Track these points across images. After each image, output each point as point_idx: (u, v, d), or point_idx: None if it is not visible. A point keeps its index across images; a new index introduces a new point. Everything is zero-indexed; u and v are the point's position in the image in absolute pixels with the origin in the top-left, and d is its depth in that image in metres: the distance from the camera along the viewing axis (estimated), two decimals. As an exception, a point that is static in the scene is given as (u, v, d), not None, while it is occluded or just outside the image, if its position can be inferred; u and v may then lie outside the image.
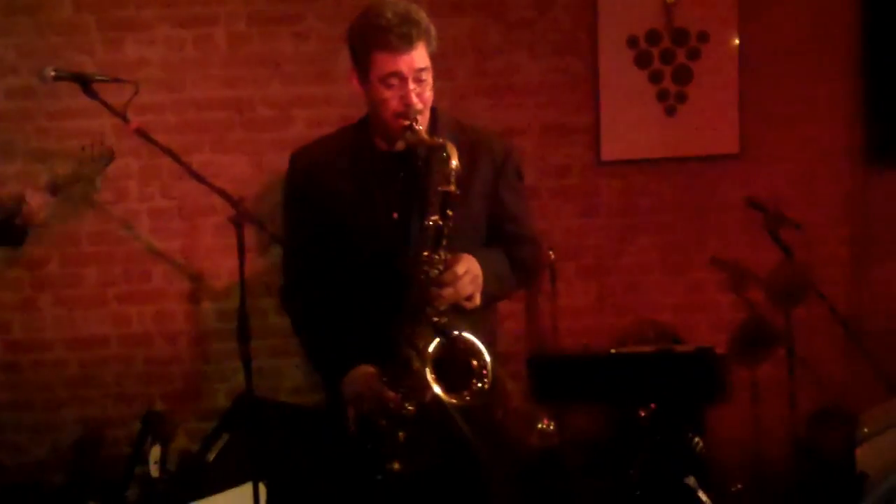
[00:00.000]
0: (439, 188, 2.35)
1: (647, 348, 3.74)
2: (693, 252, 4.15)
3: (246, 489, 2.96)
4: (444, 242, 2.34)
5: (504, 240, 2.56)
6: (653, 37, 4.05)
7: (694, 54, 4.06)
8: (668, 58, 4.06)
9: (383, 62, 2.41)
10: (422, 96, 2.42)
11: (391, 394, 2.37)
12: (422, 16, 2.44)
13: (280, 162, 3.99)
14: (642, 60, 4.07)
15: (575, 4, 4.07)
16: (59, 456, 4.05)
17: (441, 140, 2.38)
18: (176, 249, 4.01)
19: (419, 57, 2.40)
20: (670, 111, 4.08)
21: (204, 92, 4.03)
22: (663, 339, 3.86)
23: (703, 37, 4.06)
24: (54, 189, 3.47)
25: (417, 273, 2.34)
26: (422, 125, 2.40)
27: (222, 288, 3.97)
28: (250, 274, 2.96)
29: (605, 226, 4.19)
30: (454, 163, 2.33)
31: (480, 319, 2.47)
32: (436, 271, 2.33)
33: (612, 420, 3.77)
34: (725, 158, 4.12)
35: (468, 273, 2.35)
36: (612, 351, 3.75)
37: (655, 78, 4.07)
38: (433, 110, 2.53)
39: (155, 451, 3.62)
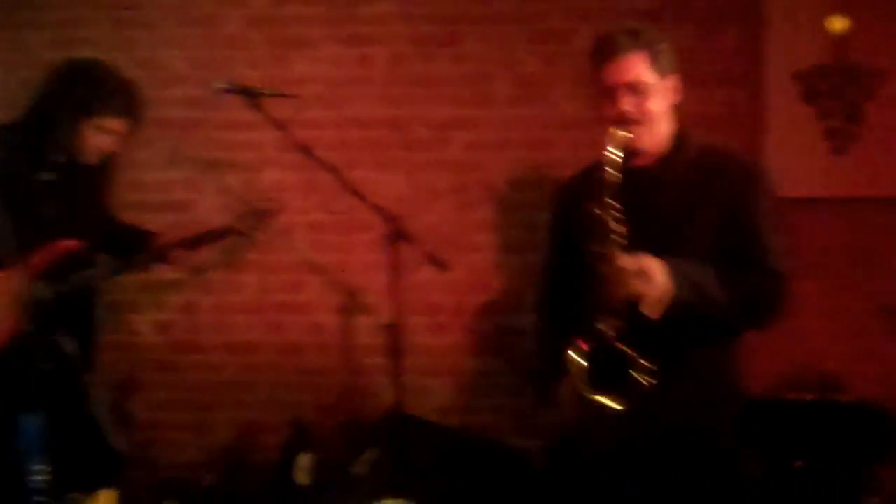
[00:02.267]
0: (597, 175, 2.36)
1: (806, 396, 3.63)
2: (859, 298, 3.95)
3: (391, 504, 3.01)
4: (611, 235, 2.32)
5: (739, 264, 2.46)
6: (823, 72, 3.93)
7: (867, 91, 3.91)
8: (839, 94, 3.93)
9: (597, 75, 2.50)
10: (639, 107, 2.45)
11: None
12: (645, 30, 2.52)
13: (436, 181, 4.09)
14: (810, 96, 3.95)
15: (740, 34, 3.98)
16: (210, 457, 4.18)
17: (627, 132, 2.40)
18: (331, 263, 4.07)
19: (631, 67, 2.45)
20: (839, 150, 3.93)
21: (364, 110, 4.10)
22: (824, 387, 3.73)
23: (878, 73, 3.90)
24: (196, 243, 3.54)
25: (593, 271, 2.34)
26: (638, 136, 2.43)
27: (375, 304, 4.05)
28: (403, 291, 3.00)
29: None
30: (613, 151, 2.35)
31: (705, 355, 2.44)
32: (605, 268, 2.31)
33: (762, 467, 3.65)
34: (897, 201, 3.95)
35: (641, 271, 2.29)
36: (769, 397, 3.64)
37: (824, 115, 3.94)
38: (680, 129, 2.57)
39: (304, 459, 3.71)
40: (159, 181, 4.17)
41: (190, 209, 4.15)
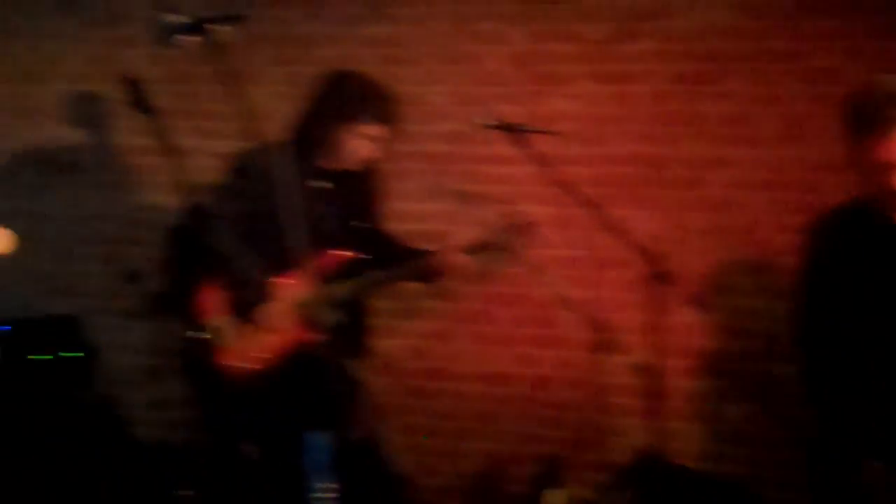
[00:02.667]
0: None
1: None
2: None
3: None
4: None
5: None
6: None
7: None
8: None
9: (863, 143, 2.33)
10: None
11: None
12: None
13: (694, 221, 4.02)
14: None
15: None
16: (459, 484, 4.29)
17: None
18: (584, 299, 4.04)
19: None
20: None
21: (621, 147, 4.10)
22: None
23: None
24: (471, 251, 3.65)
25: None
26: None
27: (629, 343, 3.92)
28: (661, 332, 2.97)
29: None
30: None
31: None
32: None
33: None
34: None
35: None
36: None
37: None
38: None
39: (555, 496, 3.72)
40: (419, 212, 4.30)
41: (447, 241, 4.26)
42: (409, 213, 4.29)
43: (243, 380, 3.26)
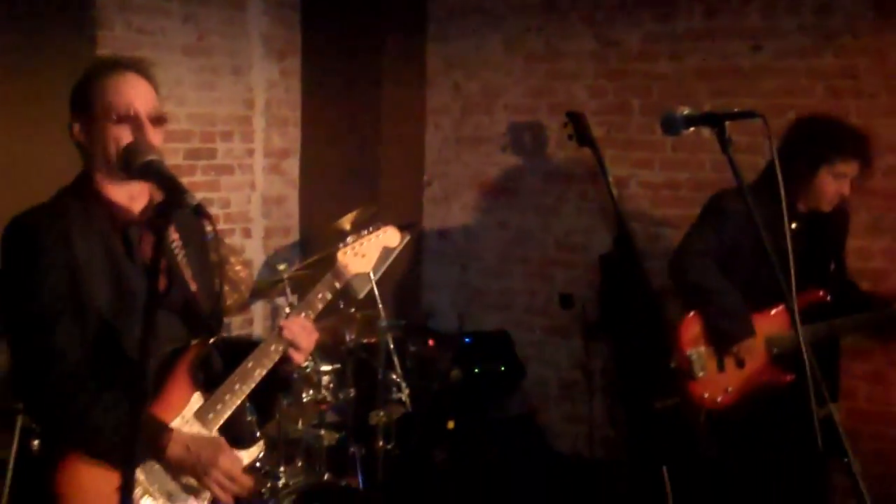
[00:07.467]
0: None
1: None
2: None
3: None
4: None
5: None
6: None
7: None
8: None
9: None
10: None
11: None
12: None
13: None
14: None
15: None
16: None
17: None
18: None
19: None
20: None
21: None
22: None
23: None
24: None
25: None
26: None
27: None
28: None
29: None
30: None
31: None
32: None
33: None
34: None
35: None
36: None
37: None
38: None
39: None
40: (861, 249, 4.15)
41: (887, 278, 4.12)
42: (850, 249, 4.14)
43: (710, 410, 3.41)
